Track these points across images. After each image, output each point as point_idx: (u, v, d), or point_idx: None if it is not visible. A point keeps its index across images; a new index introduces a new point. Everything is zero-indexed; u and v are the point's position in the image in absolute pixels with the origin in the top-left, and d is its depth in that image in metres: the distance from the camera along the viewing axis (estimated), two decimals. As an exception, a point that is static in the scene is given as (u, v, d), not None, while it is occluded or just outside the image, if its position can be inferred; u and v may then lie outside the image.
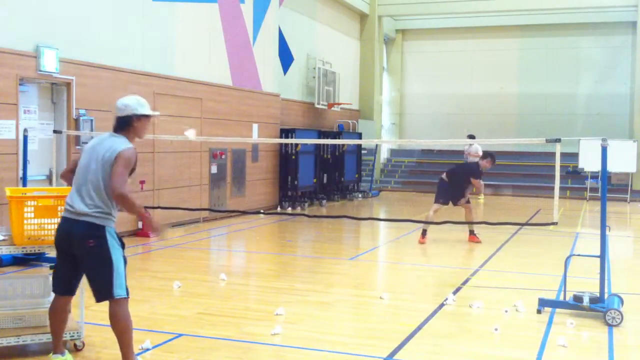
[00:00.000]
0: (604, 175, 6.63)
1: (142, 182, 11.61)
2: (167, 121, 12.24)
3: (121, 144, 4.70)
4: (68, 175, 4.97)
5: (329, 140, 17.90)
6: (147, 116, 4.85)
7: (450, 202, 11.72)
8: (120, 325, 4.70)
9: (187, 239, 11.50)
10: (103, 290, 4.67)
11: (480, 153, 20.03)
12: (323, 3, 20.05)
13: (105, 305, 4.73)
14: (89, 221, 4.63)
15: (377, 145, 21.89)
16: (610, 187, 19.14)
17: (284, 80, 17.31)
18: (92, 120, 10.36)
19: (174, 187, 12.59)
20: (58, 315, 4.89)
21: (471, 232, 11.61)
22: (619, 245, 12.20)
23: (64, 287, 4.85)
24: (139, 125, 4.82)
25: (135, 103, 4.80)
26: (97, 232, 4.64)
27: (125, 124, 4.79)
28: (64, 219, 4.74)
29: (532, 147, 22.91)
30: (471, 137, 19.94)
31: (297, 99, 18.42)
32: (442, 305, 7.03)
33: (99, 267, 4.65)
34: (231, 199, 14.53)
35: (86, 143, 5.09)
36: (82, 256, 4.68)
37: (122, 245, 4.79)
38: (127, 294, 4.74)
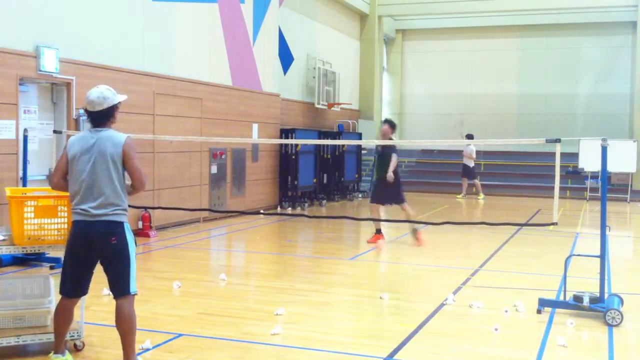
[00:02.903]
0: (604, 175, 6.63)
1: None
2: (167, 121, 12.25)
3: (119, 136, 4.77)
4: (63, 183, 4.88)
5: (329, 140, 17.91)
6: (120, 103, 4.93)
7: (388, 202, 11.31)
8: (127, 324, 4.71)
9: (187, 239, 11.51)
10: (122, 286, 4.71)
11: (474, 156, 20.13)
12: (323, 3, 20.05)
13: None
14: (107, 220, 4.66)
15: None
16: (610, 187, 19.15)
17: (284, 80, 17.31)
18: (87, 119, 10.34)
19: (174, 187, 12.59)
20: (63, 316, 4.89)
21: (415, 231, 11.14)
22: (619, 245, 12.21)
23: (72, 290, 4.85)
24: (116, 113, 4.90)
25: (111, 94, 4.84)
26: (116, 229, 4.68)
27: (107, 116, 4.83)
28: (78, 222, 4.71)
29: (532, 147, 22.89)
30: (469, 137, 19.97)
31: (297, 99, 18.42)
32: (442, 305, 7.03)
33: (119, 263, 4.70)
34: (231, 199, 14.54)
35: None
36: (103, 255, 4.70)
37: (135, 242, 4.84)
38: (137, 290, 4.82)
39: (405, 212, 11.15)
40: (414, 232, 11.07)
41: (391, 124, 11.27)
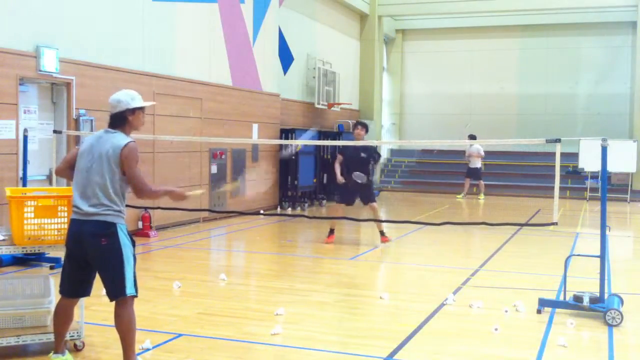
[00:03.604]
0: (604, 175, 6.63)
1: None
2: (167, 121, 12.25)
3: (121, 139, 4.72)
4: (65, 171, 4.94)
5: (329, 140, 17.90)
6: (140, 108, 4.87)
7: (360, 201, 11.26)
8: (125, 325, 4.70)
9: (187, 239, 11.51)
10: (116, 288, 4.68)
11: (482, 153, 20.13)
12: (323, 3, 20.05)
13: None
14: (99, 220, 4.63)
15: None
16: (610, 187, 19.15)
17: (284, 80, 17.31)
18: (92, 120, 10.36)
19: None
20: (62, 316, 4.89)
21: (382, 233, 11.16)
22: (619, 245, 12.20)
23: (71, 290, 4.85)
24: (134, 119, 4.84)
25: (127, 97, 4.81)
26: (108, 230, 4.64)
27: (120, 120, 4.81)
28: (73, 220, 4.73)
29: (532, 147, 22.91)
30: (472, 137, 19.95)
31: (297, 99, 18.42)
32: (442, 305, 7.03)
33: (111, 265, 4.65)
34: (231, 199, 14.54)
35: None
36: (94, 255, 4.67)
37: (133, 243, 4.80)
38: (137, 292, 4.76)
39: (374, 212, 11.14)
40: (382, 232, 11.15)
41: (366, 127, 11.29)
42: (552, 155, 7.11)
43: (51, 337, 5.07)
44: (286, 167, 16.48)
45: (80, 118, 10.24)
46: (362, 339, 5.85)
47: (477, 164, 20.15)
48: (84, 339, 5.37)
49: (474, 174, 20.17)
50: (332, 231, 11.26)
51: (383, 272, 9.68)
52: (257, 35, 15.40)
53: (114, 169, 4.66)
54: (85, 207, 4.65)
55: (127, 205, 4.85)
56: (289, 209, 16.30)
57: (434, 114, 25.54)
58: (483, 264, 9.53)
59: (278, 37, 16.55)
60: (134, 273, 4.76)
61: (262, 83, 15.71)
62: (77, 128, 10.14)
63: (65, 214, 5.07)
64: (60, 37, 9.91)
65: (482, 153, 20.12)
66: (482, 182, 20.25)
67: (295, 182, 16.49)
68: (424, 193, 21.67)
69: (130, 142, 4.73)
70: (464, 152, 20.57)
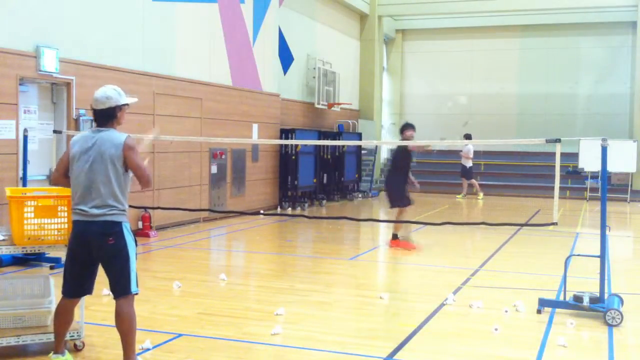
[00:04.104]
0: (604, 175, 6.64)
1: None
2: (167, 121, 12.25)
3: (119, 136, 4.74)
4: (62, 179, 4.90)
5: (329, 140, 17.90)
6: (127, 105, 4.89)
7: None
8: (126, 324, 4.71)
9: (187, 239, 11.51)
10: (121, 286, 4.70)
11: (471, 155, 20.13)
12: (323, 3, 20.05)
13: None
14: (106, 220, 4.64)
15: (377, 145, 21.89)
16: (610, 187, 19.15)
17: (284, 80, 17.31)
18: (92, 120, 10.34)
19: (174, 187, 12.59)
20: (63, 316, 4.89)
21: (394, 237, 10.83)
22: (619, 245, 12.21)
23: (73, 290, 4.85)
24: (121, 115, 4.86)
25: (115, 94, 4.81)
26: (115, 229, 4.66)
27: (109, 116, 4.80)
28: (77, 222, 4.72)
29: (532, 147, 22.91)
30: (467, 137, 19.98)
31: (297, 99, 18.42)
32: (442, 305, 7.03)
33: (118, 264, 4.68)
34: (231, 199, 14.54)
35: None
36: (101, 255, 4.69)
37: (135, 241, 4.83)
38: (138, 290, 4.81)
39: (400, 214, 10.92)
40: (396, 236, 10.88)
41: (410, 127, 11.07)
42: (552, 155, 7.11)
43: (51, 337, 5.07)
44: (286, 167, 16.48)
45: (80, 118, 10.24)
46: (362, 339, 5.85)
47: (468, 163, 20.19)
48: (84, 339, 5.37)
49: (465, 173, 20.24)
50: (395, 236, 10.79)
51: (383, 272, 9.68)
52: (257, 35, 15.41)
53: (118, 168, 4.67)
54: (90, 209, 4.64)
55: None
56: (289, 209, 16.30)
57: (434, 114, 25.52)
58: (483, 264, 9.54)
59: (278, 37, 16.55)
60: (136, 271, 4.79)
61: (262, 83, 15.71)
62: (77, 128, 10.13)
63: (65, 214, 5.07)
64: (60, 37, 9.91)
65: (471, 154, 20.14)
66: (474, 181, 20.28)
67: (295, 182, 16.49)
68: (424, 193, 21.62)
69: (128, 136, 4.76)
70: (461, 151, 20.63)
